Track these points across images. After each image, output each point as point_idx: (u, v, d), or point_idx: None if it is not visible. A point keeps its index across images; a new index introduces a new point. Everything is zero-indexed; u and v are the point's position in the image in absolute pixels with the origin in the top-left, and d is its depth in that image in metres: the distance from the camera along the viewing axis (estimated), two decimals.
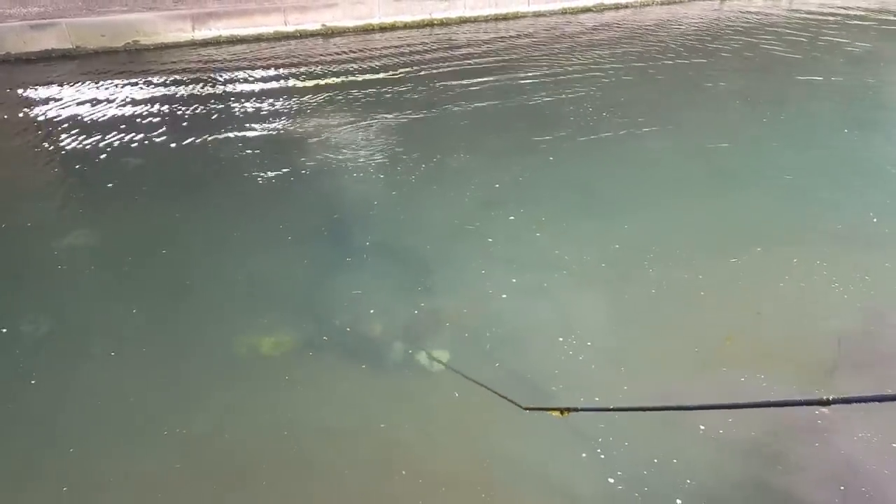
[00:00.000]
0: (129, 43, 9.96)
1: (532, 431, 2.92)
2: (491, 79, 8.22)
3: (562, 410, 1.95)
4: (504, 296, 3.88)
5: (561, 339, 3.49)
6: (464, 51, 9.83)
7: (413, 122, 6.76)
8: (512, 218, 4.73)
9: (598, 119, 6.66)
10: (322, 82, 8.18)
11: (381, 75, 8.46)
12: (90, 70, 8.87)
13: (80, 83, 8.19)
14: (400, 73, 8.56)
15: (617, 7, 13.27)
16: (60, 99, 7.58)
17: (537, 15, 12.59)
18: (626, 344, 3.51)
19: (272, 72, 8.75)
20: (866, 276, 3.95)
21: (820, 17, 11.92)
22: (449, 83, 8.08)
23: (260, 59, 9.46)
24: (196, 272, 4.21)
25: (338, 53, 9.78)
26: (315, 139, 6.24)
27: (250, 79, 8.41)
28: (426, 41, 10.60)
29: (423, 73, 8.57)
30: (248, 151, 5.99)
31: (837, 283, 3.88)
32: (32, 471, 2.83)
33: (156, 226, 4.76)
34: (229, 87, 8.05)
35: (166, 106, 7.29)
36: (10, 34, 9.30)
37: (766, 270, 4.06)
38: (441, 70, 8.69)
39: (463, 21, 12.02)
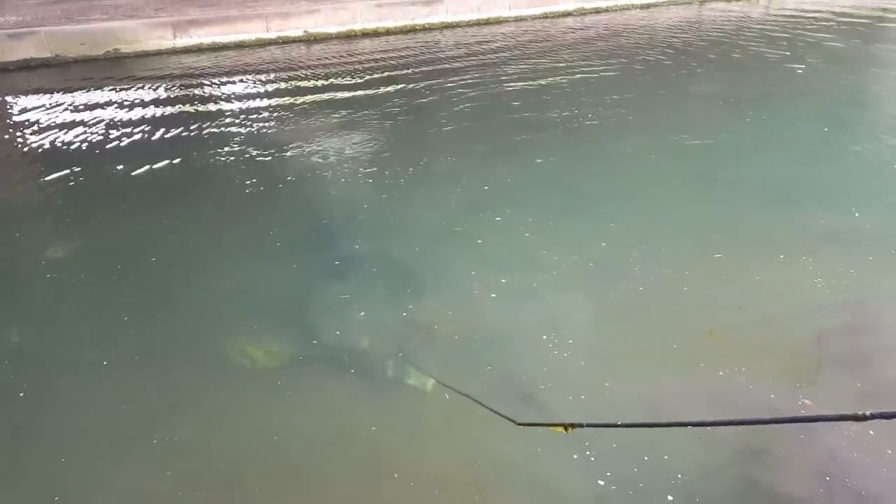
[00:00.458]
0: (109, 51, 9.89)
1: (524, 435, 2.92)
2: (475, 82, 8.25)
3: (565, 426, 1.82)
4: (493, 295, 3.89)
5: (548, 337, 3.50)
6: (447, 55, 9.86)
7: (398, 126, 6.76)
8: (499, 219, 4.74)
9: (583, 121, 6.70)
10: (306, 88, 8.17)
11: (365, 80, 8.46)
12: (70, 79, 8.79)
13: (60, 92, 8.11)
14: (384, 79, 8.56)
15: (598, 11, 13.38)
16: (40, 108, 7.50)
17: (519, 20, 12.66)
18: (612, 342, 3.52)
19: (255, 79, 8.72)
20: (851, 271, 3.99)
21: (797, 19, 12.09)
22: (433, 87, 8.09)
23: (242, 67, 9.42)
24: (184, 280, 4.17)
25: (321, 59, 9.77)
26: (301, 145, 6.22)
27: (233, 86, 8.38)
28: (409, 46, 10.62)
29: (407, 77, 8.58)
30: (233, 158, 5.95)
31: (820, 279, 3.92)
32: (23, 481, 2.78)
33: (143, 234, 4.72)
34: (212, 95, 8.01)
35: (149, 114, 7.24)
36: None
37: (750, 266, 4.09)
38: (425, 74, 8.70)
39: (445, 26, 12.07)
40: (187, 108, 7.46)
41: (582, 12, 13.23)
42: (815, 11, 12.87)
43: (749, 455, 2.78)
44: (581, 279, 4.03)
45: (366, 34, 11.50)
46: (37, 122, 7.02)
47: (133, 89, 8.19)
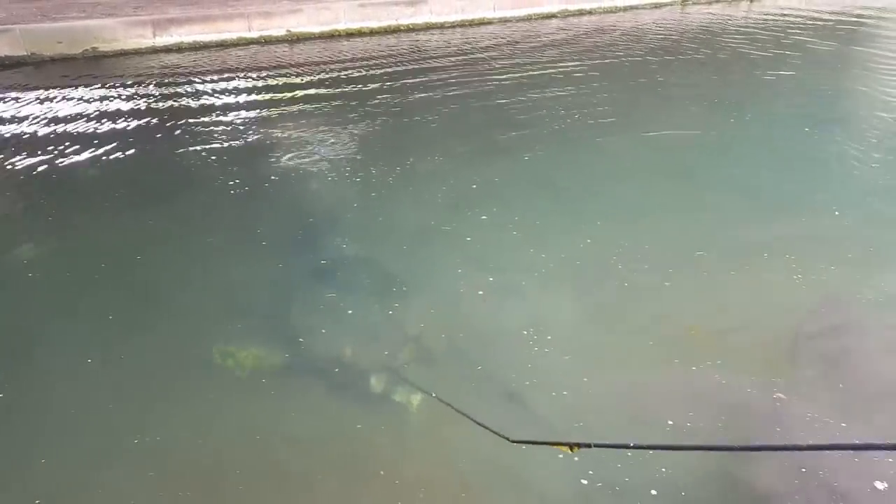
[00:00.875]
0: (87, 50, 9.72)
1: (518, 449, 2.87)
2: (460, 82, 8.21)
3: (571, 446, 1.71)
4: (480, 293, 3.85)
5: (533, 336, 3.46)
6: (431, 55, 9.82)
7: (384, 126, 6.70)
8: (485, 217, 4.69)
9: (569, 121, 6.68)
10: (289, 88, 8.07)
11: (349, 80, 8.38)
12: (47, 78, 8.62)
13: (37, 91, 7.95)
14: (368, 78, 8.50)
15: (581, 13, 13.43)
16: (17, 107, 7.34)
17: (503, 21, 12.66)
18: (595, 340, 3.49)
19: (237, 78, 8.61)
20: (831, 268, 4.00)
21: (778, 22, 12.23)
22: (418, 86, 8.04)
23: (224, 66, 9.30)
24: (168, 280, 4.07)
25: (304, 59, 9.68)
26: (284, 145, 6.14)
27: (215, 86, 8.25)
28: (393, 46, 10.57)
29: (391, 77, 8.52)
30: (215, 158, 5.85)
31: (800, 276, 3.93)
32: (3, 483, 2.69)
33: (125, 234, 4.61)
34: (193, 95, 7.88)
35: (128, 114, 7.11)
36: None
37: (731, 265, 4.11)
38: (409, 74, 8.65)
39: (429, 27, 12.03)
40: (168, 108, 7.33)
41: (565, 14, 13.27)
42: (795, 14, 13.04)
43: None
44: (566, 278, 4.00)
45: (349, 34, 11.42)
46: (11, 122, 6.86)
47: (112, 89, 8.04)
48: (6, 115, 7.06)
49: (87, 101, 7.54)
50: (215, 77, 8.63)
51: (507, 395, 3.09)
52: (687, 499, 2.56)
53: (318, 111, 7.14)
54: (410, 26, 11.90)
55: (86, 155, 5.95)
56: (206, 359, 3.36)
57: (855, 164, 5.53)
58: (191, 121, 6.85)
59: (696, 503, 2.55)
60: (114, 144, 6.18)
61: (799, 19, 12.46)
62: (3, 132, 6.55)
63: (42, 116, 6.98)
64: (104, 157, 5.89)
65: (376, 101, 7.50)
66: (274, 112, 7.14)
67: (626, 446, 1.77)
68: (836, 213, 4.71)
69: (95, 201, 5.12)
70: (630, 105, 7.31)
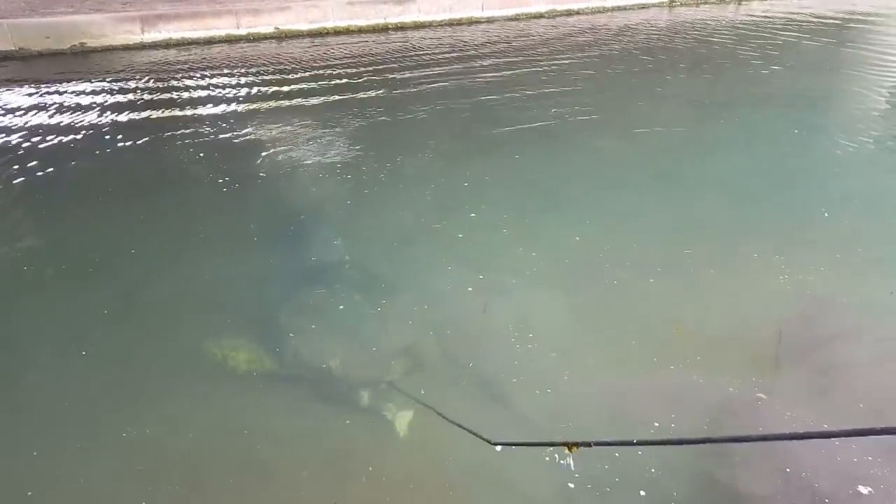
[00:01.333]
0: (75, 45, 9.72)
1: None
2: (449, 81, 8.29)
3: (570, 446, 1.60)
4: (470, 289, 3.93)
5: (523, 334, 3.54)
6: (420, 53, 9.88)
7: (373, 124, 6.76)
8: (474, 215, 4.78)
9: (559, 120, 6.76)
10: (277, 85, 8.11)
11: (338, 78, 8.44)
12: (34, 72, 8.62)
13: (24, 86, 7.95)
14: (356, 75, 8.56)
15: (569, 13, 13.54)
16: (4, 102, 7.34)
17: (491, 20, 12.75)
18: (583, 338, 3.56)
19: (225, 75, 8.64)
20: (821, 269, 4.08)
21: (766, 22, 12.37)
22: (407, 85, 8.11)
23: (212, 63, 9.33)
24: (158, 276, 4.12)
25: (292, 57, 9.72)
26: (274, 143, 6.19)
27: (203, 82, 8.28)
28: (381, 45, 10.63)
29: (379, 76, 8.58)
30: (204, 154, 5.90)
31: (787, 276, 4.00)
32: None
33: (116, 230, 4.66)
34: (181, 91, 7.92)
35: (117, 109, 7.13)
36: None
37: (719, 264, 4.17)
38: (398, 72, 8.72)
39: (418, 25, 12.09)
40: (157, 104, 7.36)
41: (553, 14, 13.37)
42: (783, 15, 13.20)
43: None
44: (556, 276, 4.07)
45: (338, 32, 11.47)
46: None
47: (100, 84, 8.06)
48: None
49: (76, 96, 7.56)
50: (204, 73, 8.66)
51: (494, 395, 3.14)
52: (678, 498, 2.65)
53: (307, 108, 7.19)
54: (399, 25, 11.96)
55: (74, 150, 5.98)
56: (195, 354, 3.42)
57: (845, 166, 5.61)
58: (180, 117, 6.89)
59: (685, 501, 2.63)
60: (102, 140, 6.21)
61: (788, 20, 12.62)
62: None
63: (29, 111, 6.99)
64: (92, 153, 5.92)
65: (365, 98, 7.57)
66: (263, 109, 7.19)
67: (630, 443, 1.62)
68: (826, 214, 4.77)
69: (85, 196, 5.16)
70: (619, 105, 7.41)
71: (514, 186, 5.31)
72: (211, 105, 7.35)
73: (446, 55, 9.79)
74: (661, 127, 6.64)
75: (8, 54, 9.29)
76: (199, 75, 8.58)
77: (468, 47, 10.42)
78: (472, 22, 12.55)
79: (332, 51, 10.16)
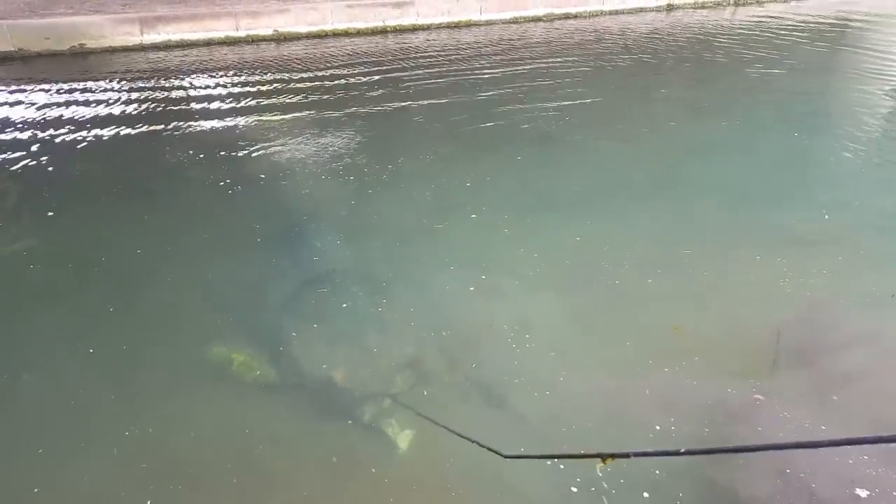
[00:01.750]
0: (74, 46, 9.72)
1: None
2: (449, 83, 8.31)
3: (604, 457, 1.45)
4: (472, 287, 3.95)
5: (522, 334, 3.55)
6: (419, 56, 9.91)
7: (374, 125, 6.78)
8: (475, 216, 4.80)
9: (560, 122, 6.79)
10: (277, 87, 8.13)
11: (337, 80, 8.45)
12: (34, 73, 8.62)
13: (23, 86, 7.95)
14: (356, 75, 8.58)
15: (567, 17, 13.58)
16: (2, 103, 7.34)
17: (489, 23, 12.78)
18: (583, 338, 3.58)
19: (225, 77, 8.65)
20: (823, 271, 4.09)
21: (764, 26, 12.42)
22: (407, 87, 8.13)
23: (211, 65, 9.34)
24: (159, 276, 4.13)
25: (292, 59, 9.73)
26: (274, 144, 6.20)
27: (202, 84, 8.30)
28: (380, 47, 10.65)
29: (379, 77, 8.60)
30: (204, 155, 5.91)
31: (788, 279, 4.02)
32: (3, 471, 2.80)
33: (119, 231, 4.67)
34: (181, 93, 7.93)
35: (116, 110, 7.14)
36: None
37: (719, 266, 4.19)
38: (397, 74, 8.74)
39: (416, 28, 12.12)
40: (156, 105, 7.37)
41: (551, 17, 13.41)
42: (780, 19, 13.25)
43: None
44: (557, 277, 4.08)
45: (336, 34, 11.49)
46: None
47: (99, 85, 8.06)
48: None
49: (72, 96, 7.56)
50: (202, 75, 8.67)
51: (492, 399, 3.15)
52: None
53: (306, 111, 7.20)
54: (397, 27, 11.98)
55: (75, 150, 5.99)
56: (195, 357, 3.43)
57: (845, 168, 5.63)
58: (180, 118, 6.90)
59: None
60: (103, 141, 6.22)
61: (785, 23, 12.67)
62: None
63: (28, 112, 6.99)
64: (94, 153, 5.93)
65: (365, 99, 7.58)
66: (263, 111, 7.20)
67: (676, 453, 1.39)
68: (826, 217, 4.78)
69: (87, 196, 5.17)
70: (619, 107, 7.44)
71: (515, 187, 5.33)
72: (211, 107, 7.35)
73: (445, 58, 9.81)
74: (662, 129, 6.68)
75: (7, 55, 9.29)
76: (198, 77, 8.59)
77: (467, 50, 10.45)
78: (470, 25, 12.59)
79: (332, 53, 10.18)
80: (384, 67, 9.14)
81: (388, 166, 5.68)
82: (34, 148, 6.04)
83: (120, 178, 5.53)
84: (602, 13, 13.99)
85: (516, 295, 3.93)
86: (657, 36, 11.73)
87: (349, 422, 3.05)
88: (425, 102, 7.53)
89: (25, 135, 6.37)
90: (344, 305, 3.82)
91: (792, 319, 3.70)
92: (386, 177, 5.50)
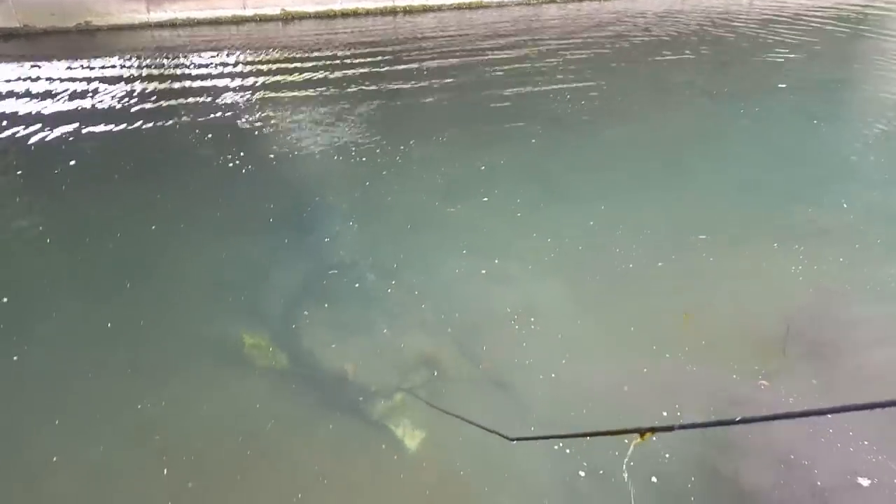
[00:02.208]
0: (80, 23, 9.59)
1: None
2: (460, 65, 8.17)
3: (642, 432, 1.42)
4: (484, 271, 3.87)
5: (534, 318, 3.48)
6: (430, 37, 9.75)
7: (385, 107, 6.66)
8: (486, 199, 4.71)
9: (573, 107, 6.66)
10: (285, 66, 8.01)
11: (347, 59, 8.32)
12: (39, 49, 8.51)
13: (28, 63, 7.84)
14: (365, 55, 8.44)
15: None
16: (7, 79, 7.24)
17: (501, 5, 12.60)
18: (594, 325, 3.51)
19: (232, 56, 8.52)
20: (839, 259, 4.00)
21: (781, 12, 12.21)
22: (417, 68, 8.00)
23: (218, 43, 9.21)
24: (169, 254, 4.07)
25: (299, 38, 9.60)
26: (284, 125, 6.10)
27: (209, 63, 8.17)
28: (389, 27, 10.49)
29: (389, 58, 8.46)
30: (212, 136, 5.81)
31: (802, 266, 3.93)
32: (24, 435, 2.82)
33: (130, 211, 4.59)
34: (187, 71, 7.81)
35: (121, 88, 7.03)
36: None
37: (734, 254, 4.11)
38: (407, 55, 8.60)
39: (426, 9, 11.95)
40: (164, 84, 7.26)
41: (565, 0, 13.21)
42: (797, 4, 13.00)
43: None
44: (570, 262, 4.00)
45: (345, 14, 11.33)
46: (1, 94, 6.78)
47: (105, 62, 7.95)
48: None
49: (78, 74, 7.45)
50: (209, 54, 8.55)
51: (497, 384, 3.08)
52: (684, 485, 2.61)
53: (315, 92, 7.09)
54: (407, 8, 11.81)
55: (83, 130, 5.89)
56: (209, 333, 3.38)
57: (865, 158, 5.50)
58: (188, 97, 6.79)
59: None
60: (111, 121, 6.12)
61: (802, 9, 12.44)
62: None
63: (34, 89, 6.89)
64: (102, 133, 5.84)
65: (376, 79, 7.46)
66: (270, 90, 7.09)
67: (731, 422, 1.32)
68: (844, 205, 4.68)
69: (97, 174, 5.10)
70: (633, 93, 7.30)
71: (528, 171, 5.22)
72: (218, 86, 7.24)
73: (456, 39, 9.66)
74: (676, 114, 6.55)
75: (12, 31, 9.17)
76: (205, 56, 8.46)
77: (478, 31, 10.28)
78: (481, 6, 12.41)
79: (340, 32, 10.03)
80: (394, 48, 8.99)
81: (401, 147, 5.57)
82: (43, 125, 5.94)
83: (130, 156, 5.43)
84: None
85: (528, 280, 3.85)
86: (674, 19, 11.52)
87: (358, 402, 2.99)
88: (437, 84, 7.39)
89: (34, 111, 6.27)
90: (356, 286, 3.74)
91: (804, 308, 3.63)
92: (399, 158, 5.39)
